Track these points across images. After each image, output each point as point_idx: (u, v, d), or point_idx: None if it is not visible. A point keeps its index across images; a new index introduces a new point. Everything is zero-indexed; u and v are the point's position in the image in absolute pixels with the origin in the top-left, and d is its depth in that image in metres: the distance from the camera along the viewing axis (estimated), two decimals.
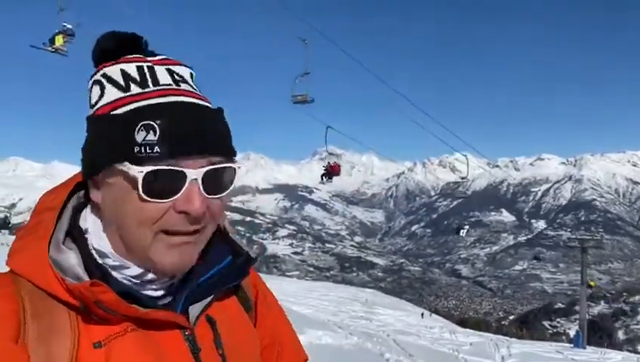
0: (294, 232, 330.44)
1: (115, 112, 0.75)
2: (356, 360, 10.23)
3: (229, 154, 0.80)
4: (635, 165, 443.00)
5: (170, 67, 0.80)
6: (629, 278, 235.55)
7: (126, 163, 0.73)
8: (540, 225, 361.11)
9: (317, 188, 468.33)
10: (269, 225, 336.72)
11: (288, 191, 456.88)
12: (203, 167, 0.75)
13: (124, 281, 0.79)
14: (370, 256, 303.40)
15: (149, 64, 0.79)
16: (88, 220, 0.82)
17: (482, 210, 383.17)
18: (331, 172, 21.68)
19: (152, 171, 0.72)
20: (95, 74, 0.80)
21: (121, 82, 0.76)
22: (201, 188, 0.75)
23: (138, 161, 0.72)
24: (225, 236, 0.92)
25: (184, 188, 0.74)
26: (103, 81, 0.78)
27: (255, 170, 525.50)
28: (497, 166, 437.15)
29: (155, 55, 0.82)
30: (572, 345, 27.66)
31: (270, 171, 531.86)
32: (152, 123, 0.72)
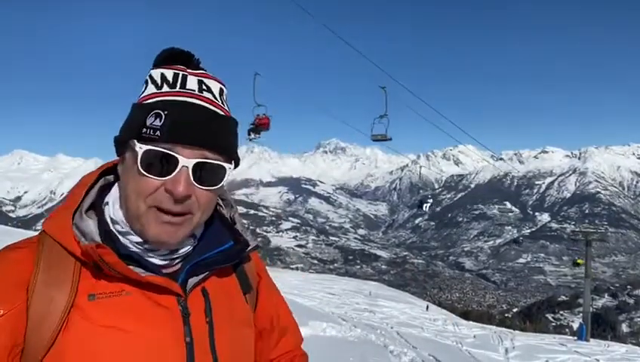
0: (298, 225, 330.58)
1: (143, 103, 0.97)
2: (360, 352, 10.26)
3: (227, 155, 0.99)
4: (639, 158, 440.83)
5: (203, 79, 1.00)
6: (633, 271, 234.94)
7: (134, 140, 0.93)
8: (544, 218, 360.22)
9: (321, 181, 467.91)
10: (273, 218, 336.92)
11: (292, 184, 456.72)
12: (197, 158, 0.93)
13: (132, 247, 0.98)
14: (373, 248, 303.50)
15: (185, 73, 0.99)
16: (112, 193, 1.04)
17: (486, 203, 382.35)
18: (259, 126, 18.76)
19: (149, 150, 0.91)
20: (147, 75, 1.00)
21: (158, 82, 0.97)
22: (191, 176, 0.93)
23: (142, 140, 0.92)
24: (231, 226, 1.13)
25: (175, 172, 0.92)
26: (148, 80, 0.99)
27: (259, 163, 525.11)
28: (501, 159, 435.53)
29: (200, 69, 1.02)
30: (575, 338, 27.65)
31: (274, 164, 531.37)
32: (160, 112, 0.92)
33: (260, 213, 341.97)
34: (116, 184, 1.05)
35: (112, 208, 1.01)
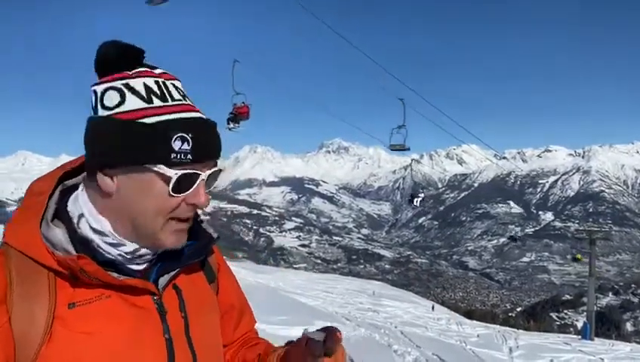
0: (301, 225, 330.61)
1: (142, 120, 0.93)
2: (364, 352, 10.28)
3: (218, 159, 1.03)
4: None
5: (174, 82, 1.00)
6: (638, 270, 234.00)
7: (161, 166, 0.92)
8: (548, 216, 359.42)
9: (324, 181, 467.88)
10: (276, 218, 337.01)
11: (295, 184, 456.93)
12: (208, 169, 0.99)
13: (109, 255, 0.99)
14: (377, 248, 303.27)
15: (162, 79, 0.98)
16: (82, 204, 1.00)
17: (489, 202, 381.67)
18: (238, 115, 17.97)
19: (183, 174, 0.94)
20: (111, 81, 0.96)
21: (143, 94, 0.94)
22: (204, 185, 0.99)
23: (171, 165, 0.92)
24: (195, 221, 1.13)
25: (195, 186, 0.97)
26: (124, 89, 0.95)
27: (262, 163, 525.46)
28: (505, 158, 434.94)
29: (154, 68, 1.00)
30: (580, 337, 27.61)
31: (277, 164, 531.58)
32: (185, 136, 0.93)
33: (264, 213, 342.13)
34: (82, 193, 1.03)
35: (93, 220, 0.99)
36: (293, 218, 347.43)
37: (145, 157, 0.92)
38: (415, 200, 22.88)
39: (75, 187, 1.05)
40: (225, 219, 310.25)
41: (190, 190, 0.97)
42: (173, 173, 0.93)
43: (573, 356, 17.36)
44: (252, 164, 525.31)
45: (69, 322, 0.92)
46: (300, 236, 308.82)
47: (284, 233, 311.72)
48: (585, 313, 38.54)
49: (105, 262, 0.98)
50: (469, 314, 54.41)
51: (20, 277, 0.92)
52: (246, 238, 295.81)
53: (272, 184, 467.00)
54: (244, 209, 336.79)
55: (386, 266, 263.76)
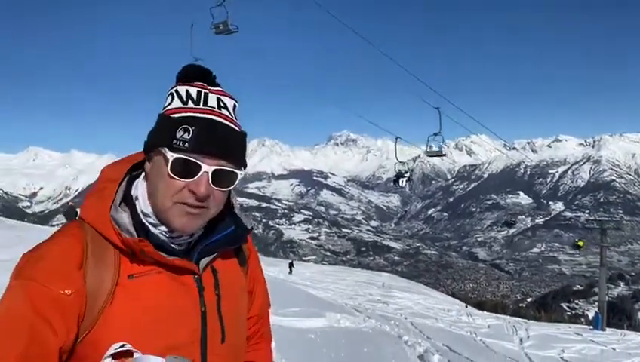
0: (310, 217, 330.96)
1: (172, 115, 1.18)
2: (374, 343, 10.32)
3: (238, 164, 1.21)
4: None
5: (220, 96, 1.21)
6: None
7: (165, 148, 1.14)
8: (558, 206, 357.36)
9: (332, 173, 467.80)
10: (285, 211, 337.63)
11: (303, 176, 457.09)
12: (215, 166, 1.16)
13: (160, 236, 1.22)
14: (386, 240, 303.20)
15: (206, 91, 1.20)
16: (139, 189, 1.25)
17: (499, 193, 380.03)
18: None
19: (178, 157, 1.13)
20: (172, 88, 1.22)
21: (184, 97, 1.19)
22: (210, 179, 1.15)
23: (173, 150, 1.13)
24: (233, 212, 1.36)
25: (197, 176, 1.14)
26: (174, 93, 1.20)
27: (270, 156, 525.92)
28: (514, 148, 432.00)
29: (218, 86, 1.24)
30: (591, 327, 27.51)
31: (285, 157, 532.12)
32: (188, 127, 1.14)
33: (273, 206, 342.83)
34: (142, 179, 1.27)
35: (143, 203, 1.23)
36: (302, 210, 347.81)
37: (158, 142, 1.17)
38: (401, 180, 22.84)
39: (139, 175, 1.29)
40: None
41: (193, 178, 1.14)
42: (170, 155, 1.13)
43: (585, 346, 17.34)
44: (260, 157, 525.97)
45: (127, 289, 1.16)
46: (309, 228, 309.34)
47: (293, 226, 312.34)
48: (596, 303, 38.39)
49: (157, 244, 1.20)
50: (480, 305, 54.30)
51: (93, 249, 1.16)
52: (255, 231, 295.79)
53: (281, 177, 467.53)
54: (253, 202, 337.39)
55: (396, 258, 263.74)
